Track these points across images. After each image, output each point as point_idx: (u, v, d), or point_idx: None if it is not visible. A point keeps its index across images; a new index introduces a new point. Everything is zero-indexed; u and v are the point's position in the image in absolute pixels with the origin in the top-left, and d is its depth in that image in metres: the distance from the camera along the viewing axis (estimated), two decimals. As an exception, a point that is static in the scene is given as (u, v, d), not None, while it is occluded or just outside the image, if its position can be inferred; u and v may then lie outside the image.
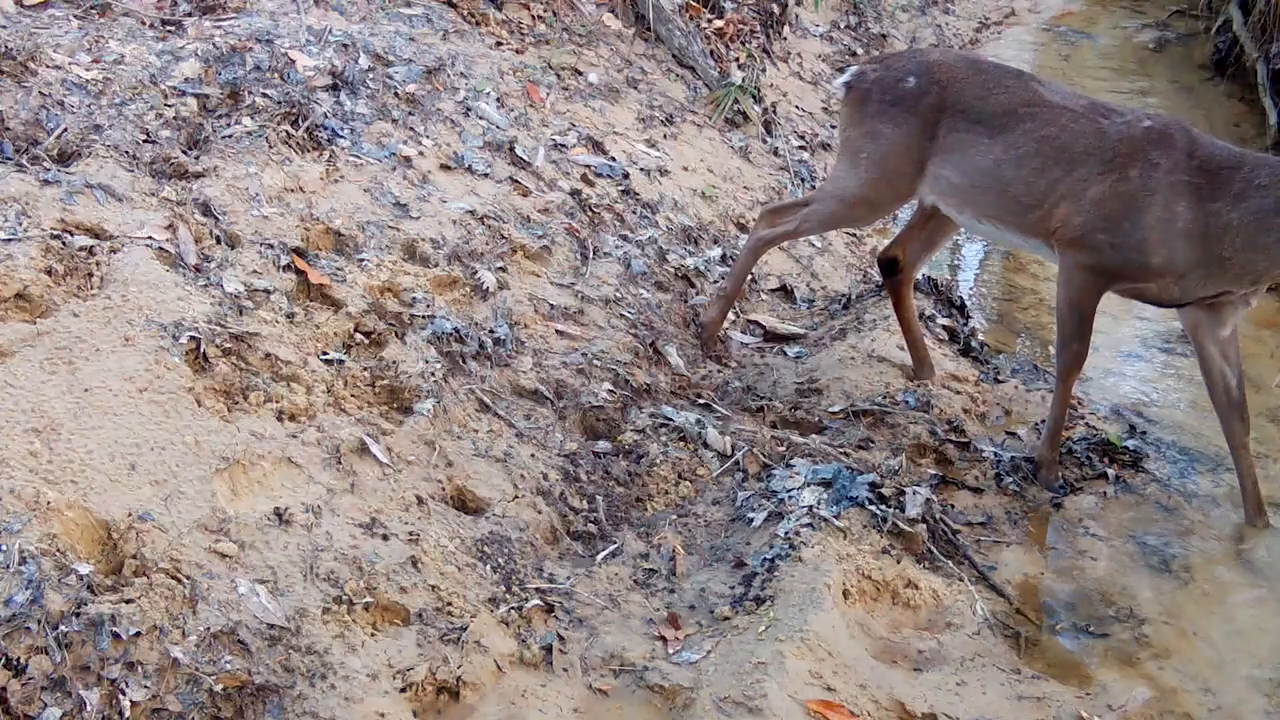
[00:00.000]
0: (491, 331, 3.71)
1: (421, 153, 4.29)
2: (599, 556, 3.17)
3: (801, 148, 6.18)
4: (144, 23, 4.39)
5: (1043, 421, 4.04)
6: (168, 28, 4.41)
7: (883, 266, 4.14)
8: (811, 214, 4.07)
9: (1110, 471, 3.78)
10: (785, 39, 7.07)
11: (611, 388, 3.77)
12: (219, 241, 3.51)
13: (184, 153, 3.80)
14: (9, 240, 3.14)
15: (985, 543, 3.45)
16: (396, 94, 4.48)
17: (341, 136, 4.14)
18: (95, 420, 2.77)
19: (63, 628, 2.36)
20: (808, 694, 2.70)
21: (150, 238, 3.35)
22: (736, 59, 6.28)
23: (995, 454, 3.81)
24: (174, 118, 3.91)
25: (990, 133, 3.69)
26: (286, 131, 3.99)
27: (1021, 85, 3.74)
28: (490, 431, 3.41)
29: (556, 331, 3.91)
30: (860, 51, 7.65)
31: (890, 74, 3.89)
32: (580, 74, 5.41)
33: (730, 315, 4.60)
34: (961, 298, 4.81)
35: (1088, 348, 3.66)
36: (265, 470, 2.91)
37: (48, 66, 3.87)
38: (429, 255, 3.87)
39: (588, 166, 4.81)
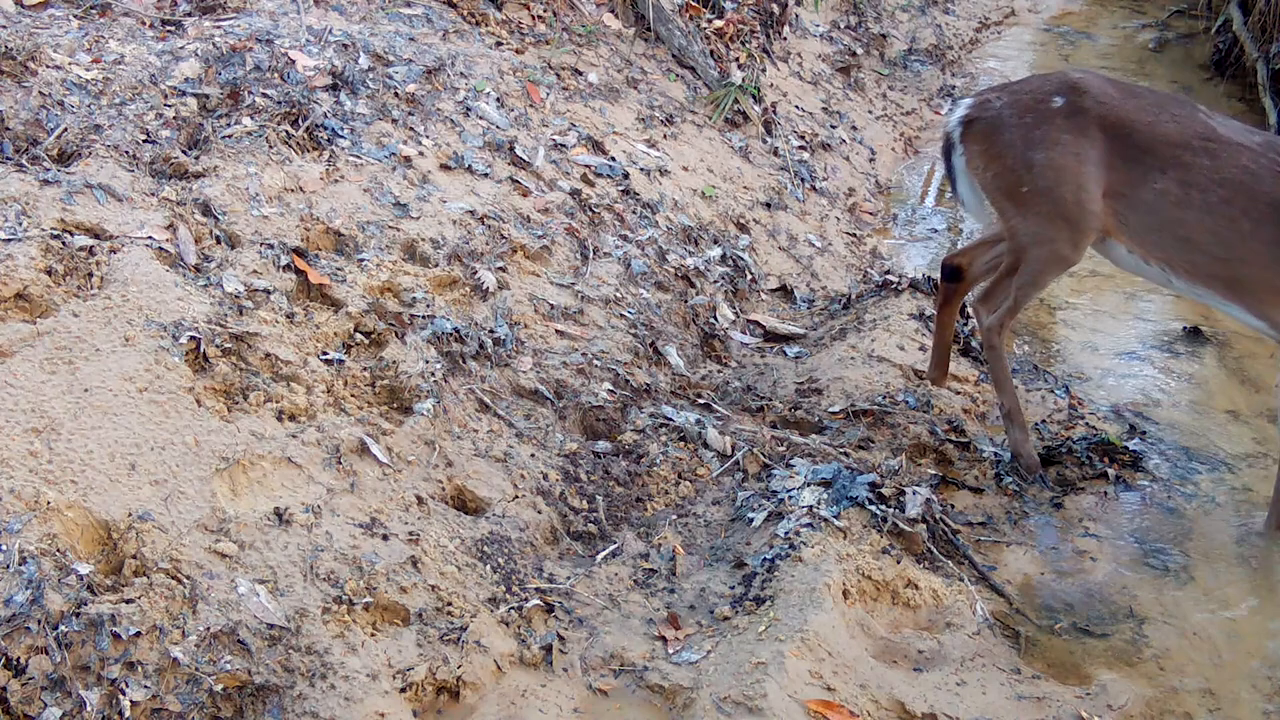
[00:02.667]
0: (491, 331, 3.71)
1: (421, 153, 4.29)
2: (599, 556, 3.18)
3: (801, 148, 6.18)
4: (144, 23, 4.39)
5: (1043, 422, 4.04)
6: (168, 28, 4.41)
7: (945, 270, 3.93)
8: (1023, 279, 3.63)
9: (1110, 471, 3.78)
10: (785, 39, 7.06)
11: (611, 388, 3.77)
12: (219, 241, 3.51)
13: (184, 153, 3.80)
14: (9, 240, 3.14)
15: (985, 543, 3.46)
16: (396, 94, 4.49)
17: (341, 136, 4.14)
18: (95, 420, 2.77)
19: (63, 628, 2.36)
20: (808, 694, 2.70)
21: (150, 238, 3.36)
22: (736, 59, 6.28)
23: (995, 454, 3.81)
24: (174, 118, 3.91)
25: (1161, 166, 3.35)
26: (286, 131, 3.99)
27: (1190, 115, 3.42)
28: (490, 431, 3.41)
29: (556, 331, 3.91)
30: (860, 51, 7.65)
31: (1025, 96, 3.53)
32: (580, 74, 5.41)
33: (730, 315, 4.60)
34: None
35: None
36: (265, 470, 2.91)
37: (48, 66, 3.87)
38: (429, 255, 3.88)
39: (588, 166, 4.81)
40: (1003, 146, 3.52)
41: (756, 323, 4.64)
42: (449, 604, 2.80)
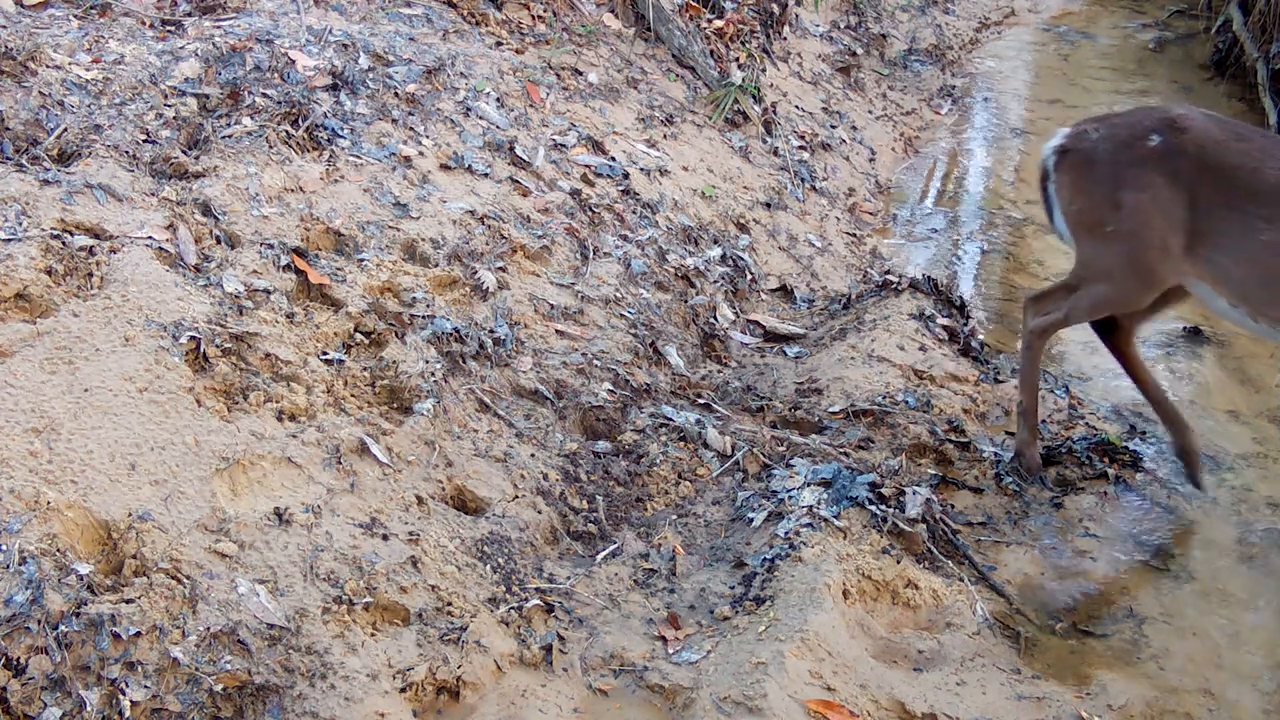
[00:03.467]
0: (491, 331, 3.71)
1: (421, 153, 4.29)
2: (599, 556, 3.18)
3: (801, 148, 6.18)
4: (144, 23, 4.39)
5: (1043, 422, 4.04)
6: (168, 28, 4.41)
7: (1095, 324, 3.72)
8: (1079, 301, 3.55)
9: (1110, 471, 3.78)
10: (785, 39, 7.06)
11: (611, 388, 3.77)
12: (219, 241, 3.51)
13: (184, 153, 3.80)
14: (9, 240, 3.14)
15: (985, 543, 3.46)
16: (396, 94, 4.49)
17: (341, 136, 4.14)
18: (95, 420, 2.77)
19: (63, 628, 2.36)
20: (808, 694, 2.70)
21: (150, 238, 3.36)
22: (736, 59, 6.28)
23: (995, 454, 3.81)
24: (174, 118, 3.91)
25: (1269, 215, 3.17)
26: (286, 131, 3.99)
27: None
28: (490, 431, 3.41)
29: (556, 331, 3.91)
30: (860, 51, 7.65)
31: (1122, 131, 3.40)
32: (580, 74, 5.41)
33: (730, 315, 4.60)
34: (961, 298, 4.81)
35: None
36: (265, 470, 2.91)
37: (48, 66, 3.87)
38: (429, 255, 3.88)
39: (588, 166, 4.81)
40: (1093, 181, 3.41)
41: (756, 323, 4.64)
42: (449, 604, 2.80)
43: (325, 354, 3.35)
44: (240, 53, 4.28)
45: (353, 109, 4.29)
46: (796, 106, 6.63)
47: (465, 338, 3.61)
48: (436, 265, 3.85)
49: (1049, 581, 3.34)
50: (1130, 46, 8.87)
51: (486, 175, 4.39)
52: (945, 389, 4.12)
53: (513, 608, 2.86)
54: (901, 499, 3.37)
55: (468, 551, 2.97)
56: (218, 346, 3.12)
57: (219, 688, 2.42)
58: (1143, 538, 3.54)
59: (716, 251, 4.87)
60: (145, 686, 2.37)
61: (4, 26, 4.06)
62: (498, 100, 4.85)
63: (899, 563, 3.19)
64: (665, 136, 5.41)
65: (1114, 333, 3.68)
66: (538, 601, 2.92)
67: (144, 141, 3.76)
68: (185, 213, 3.51)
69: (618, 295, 4.20)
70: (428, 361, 3.43)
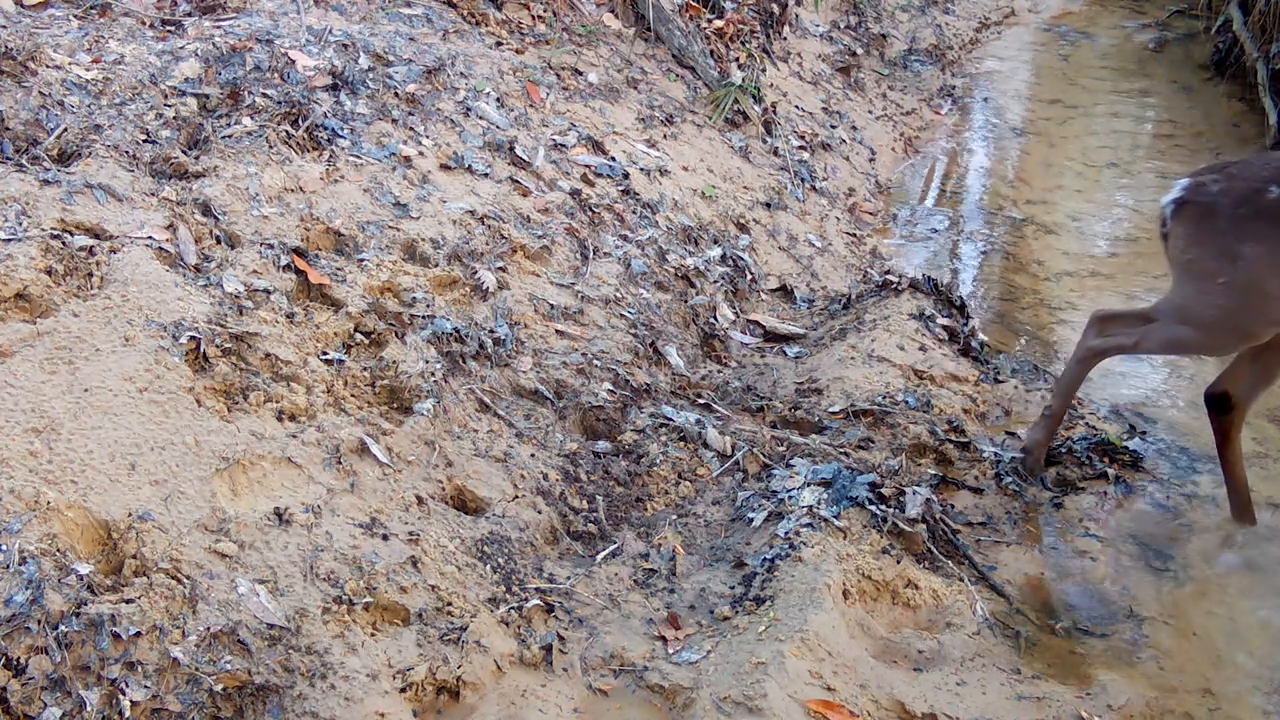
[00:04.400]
0: (491, 331, 3.71)
1: (421, 153, 4.29)
2: (599, 556, 3.18)
3: (801, 148, 6.18)
4: (144, 23, 4.39)
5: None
6: (168, 28, 4.41)
7: (1211, 403, 3.62)
8: (1155, 334, 3.50)
9: (1110, 471, 3.78)
10: (785, 39, 7.07)
11: (611, 388, 3.77)
12: (219, 241, 3.51)
13: (184, 153, 3.80)
14: (9, 240, 3.14)
15: (985, 543, 3.45)
16: (396, 94, 4.49)
17: (341, 136, 4.14)
18: (95, 420, 2.77)
19: (63, 628, 2.36)
20: (808, 694, 2.70)
21: (150, 238, 3.36)
22: (736, 59, 6.29)
23: (995, 454, 3.81)
24: (174, 118, 3.91)
25: None
26: (286, 131, 3.99)
27: None
28: (490, 431, 3.41)
29: (556, 331, 3.91)
30: (860, 51, 7.65)
31: (1242, 184, 3.33)
32: (580, 74, 5.41)
33: (730, 315, 4.60)
34: (961, 298, 4.81)
35: None
36: (265, 470, 2.91)
37: (48, 66, 3.87)
38: (429, 255, 3.88)
39: (588, 166, 4.81)
40: (1210, 234, 3.36)
41: (756, 323, 4.64)
42: (449, 604, 2.80)
43: (325, 354, 3.35)
44: (240, 53, 4.28)
45: (353, 109, 4.29)
46: (796, 106, 6.64)
47: (465, 338, 3.61)
48: (436, 265, 3.85)
49: (1049, 581, 3.34)
50: (1130, 46, 8.87)
51: (486, 175, 4.39)
52: (945, 389, 4.13)
53: (513, 608, 2.86)
54: (901, 499, 3.37)
55: (468, 551, 2.97)
56: (218, 346, 3.13)
57: (219, 688, 2.42)
58: (1143, 538, 3.54)
59: (716, 251, 4.87)
60: (145, 686, 2.37)
61: (4, 26, 4.06)
62: (498, 100, 4.85)
63: (899, 563, 3.19)
64: (665, 136, 5.41)
65: (1229, 412, 3.58)
66: (538, 601, 2.92)
67: (144, 141, 3.76)
68: (185, 213, 3.51)
69: (618, 295, 4.20)
70: (428, 361, 3.43)
